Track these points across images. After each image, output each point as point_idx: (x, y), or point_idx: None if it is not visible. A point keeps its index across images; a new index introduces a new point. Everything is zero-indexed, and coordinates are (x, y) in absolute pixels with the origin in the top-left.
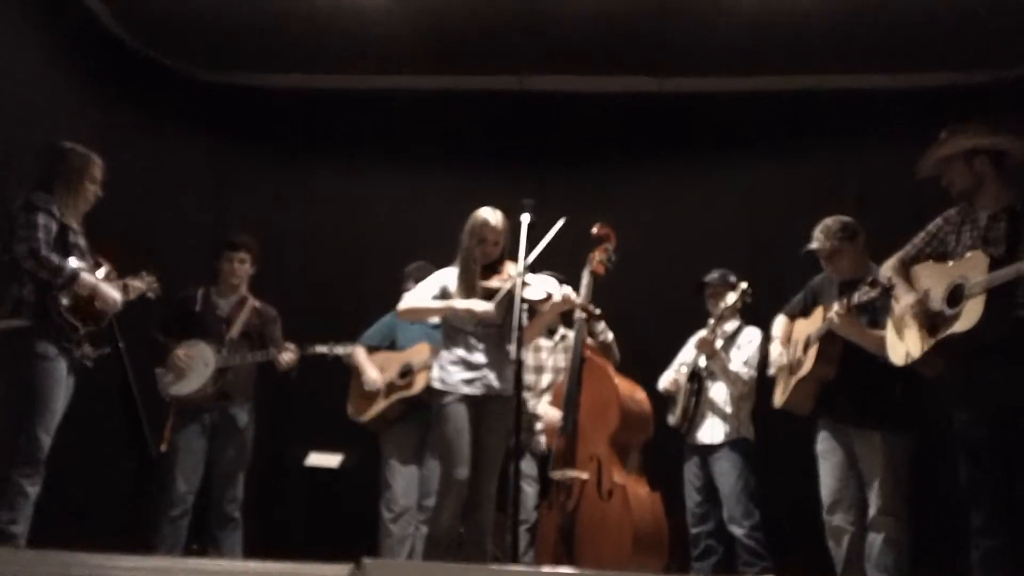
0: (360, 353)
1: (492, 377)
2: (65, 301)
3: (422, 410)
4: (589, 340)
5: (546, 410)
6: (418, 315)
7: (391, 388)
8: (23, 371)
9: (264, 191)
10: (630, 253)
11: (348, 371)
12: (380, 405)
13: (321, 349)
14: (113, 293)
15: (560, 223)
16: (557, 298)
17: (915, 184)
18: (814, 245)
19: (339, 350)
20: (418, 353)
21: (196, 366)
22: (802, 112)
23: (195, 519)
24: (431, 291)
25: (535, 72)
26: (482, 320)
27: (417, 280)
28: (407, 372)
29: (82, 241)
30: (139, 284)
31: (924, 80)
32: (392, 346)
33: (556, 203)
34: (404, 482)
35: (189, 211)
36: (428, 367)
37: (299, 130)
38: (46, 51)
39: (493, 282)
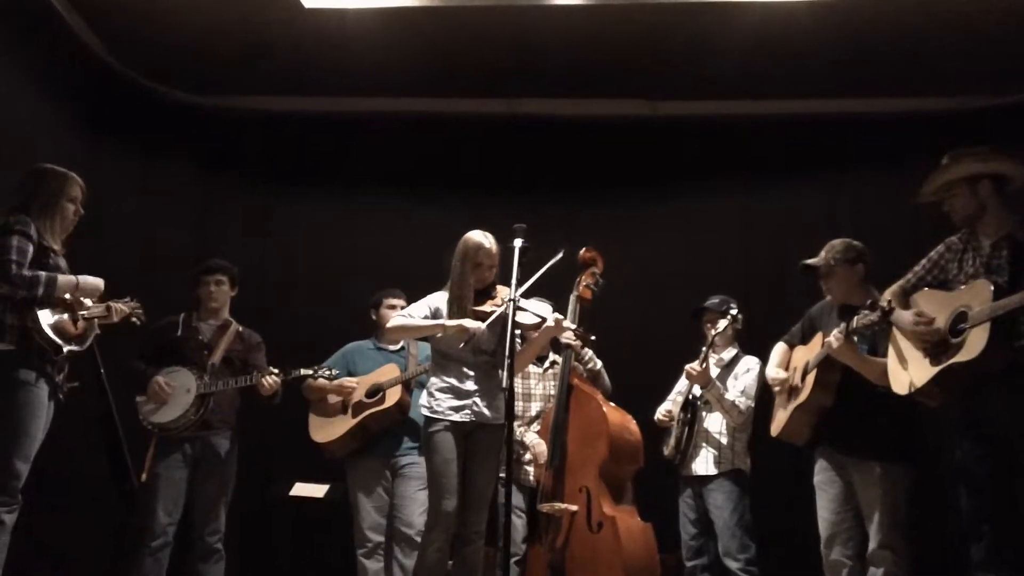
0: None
1: (482, 405)
2: (48, 320)
3: (387, 437)
4: (577, 367)
5: (533, 440)
6: (407, 333)
7: (359, 407)
8: (3, 397)
9: (249, 216)
10: (623, 279)
11: None
12: (348, 424)
13: (305, 372)
14: (96, 281)
15: (559, 255)
16: (550, 323)
17: (911, 210)
18: (813, 260)
19: (323, 373)
20: (385, 373)
21: (177, 394)
22: (797, 137)
23: (177, 551)
24: (421, 313)
25: (526, 95)
26: (474, 345)
27: (382, 305)
28: (376, 391)
29: (63, 263)
30: (123, 307)
31: (920, 105)
32: (350, 376)
33: (547, 228)
34: (371, 517)
35: (173, 236)
36: (398, 383)
37: (285, 154)
38: (29, 75)
39: (486, 307)
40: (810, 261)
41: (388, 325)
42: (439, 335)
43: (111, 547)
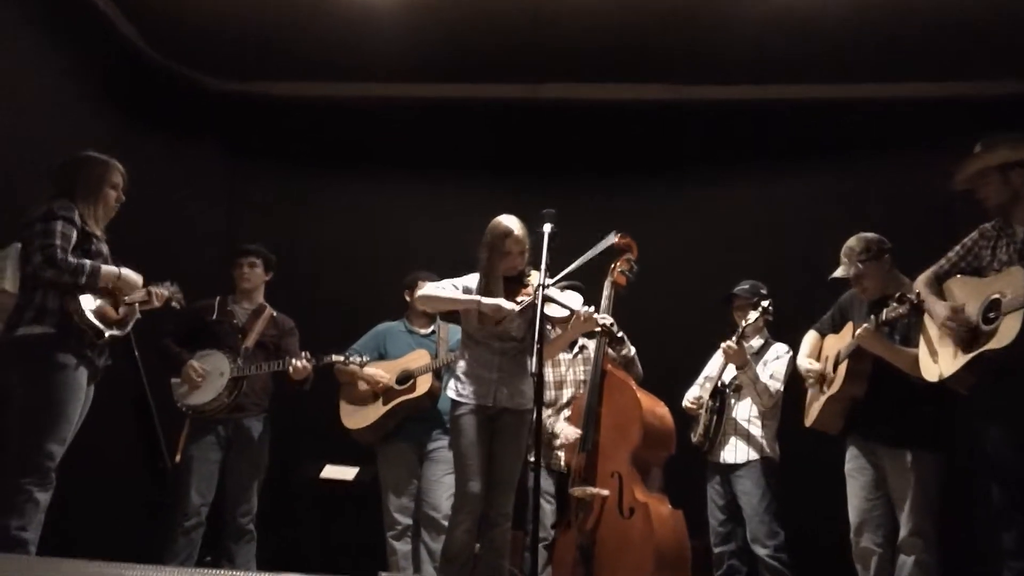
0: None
1: (508, 391)
2: (89, 304)
3: (418, 423)
4: (610, 353)
5: (563, 428)
6: (438, 304)
7: (390, 394)
8: (42, 379)
9: (277, 201)
10: (651, 265)
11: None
12: (379, 411)
13: (336, 358)
14: (136, 276)
15: (609, 238)
16: (581, 315)
17: (942, 197)
18: (839, 272)
19: (354, 359)
20: (416, 359)
21: (211, 376)
22: (827, 121)
23: (209, 531)
24: (457, 288)
25: (548, 80)
26: (503, 331)
27: (416, 287)
28: (407, 378)
29: (105, 249)
30: (163, 291)
31: (951, 90)
32: (381, 358)
33: (570, 214)
34: (400, 500)
35: (202, 222)
36: (428, 371)
37: (311, 140)
38: (61, 62)
39: (517, 297)
40: (838, 274)
41: (421, 292)
42: (474, 310)
43: (145, 527)
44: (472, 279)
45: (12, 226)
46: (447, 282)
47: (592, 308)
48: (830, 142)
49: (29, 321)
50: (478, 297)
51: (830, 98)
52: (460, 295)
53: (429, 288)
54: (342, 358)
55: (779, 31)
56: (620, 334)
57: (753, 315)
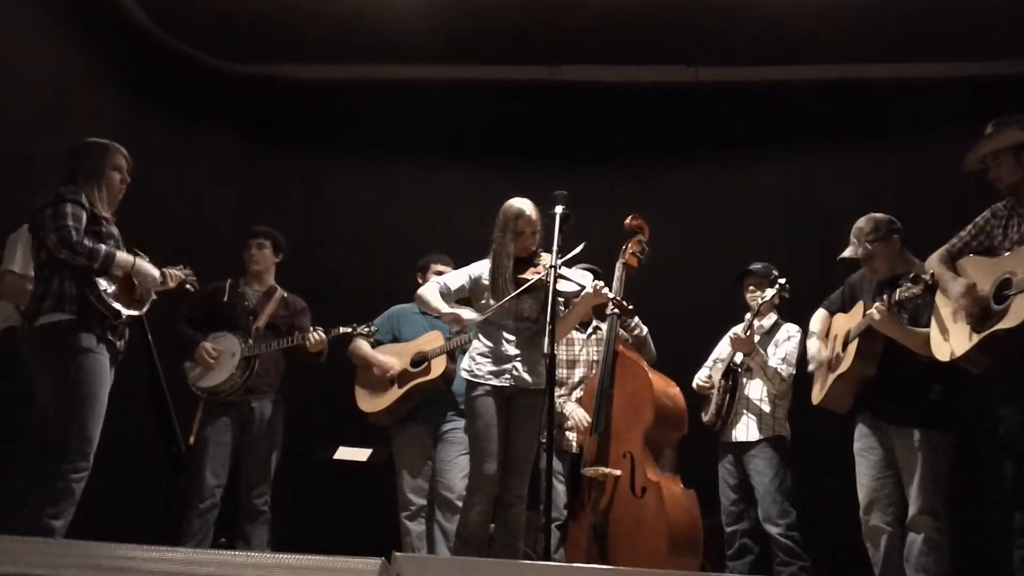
0: (364, 346)
1: (522, 370)
2: (105, 286)
3: (433, 406)
4: (623, 334)
5: (573, 410)
6: (423, 306)
7: (405, 376)
8: (71, 366)
9: (291, 183)
10: (665, 246)
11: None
12: (395, 394)
13: (344, 330)
14: (152, 270)
15: (579, 248)
16: (588, 291)
17: (957, 177)
18: (847, 252)
19: (362, 330)
20: (430, 342)
21: (223, 358)
22: (841, 102)
23: (224, 513)
24: (459, 281)
25: (567, 62)
26: (517, 312)
27: (429, 270)
28: (421, 360)
29: (115, 231)
30: (178, 273)
31: (967, 69)
32: (395, 340)
33: (588, 195)
34: (414, 481)
35: (215, 204)
36: (443, 353)
37: (326, 122)
38: (73, 42)
39: (527, 275)
40: (846, 254)
41: (417, 292)
42: (485, 292)
43: (160, 509)
44: (482, 266)
45: (22, 211)
46: (452, 276)
47: (602, 283)
48: (843, 124)
49: (49, 309)
50: (441, 308)
51: (846, 78)
52: (436, 303)
53: (423, 290)
54: (349, 329)
55: (795, 13)
56: (631, 307)
57: (770, 292)
